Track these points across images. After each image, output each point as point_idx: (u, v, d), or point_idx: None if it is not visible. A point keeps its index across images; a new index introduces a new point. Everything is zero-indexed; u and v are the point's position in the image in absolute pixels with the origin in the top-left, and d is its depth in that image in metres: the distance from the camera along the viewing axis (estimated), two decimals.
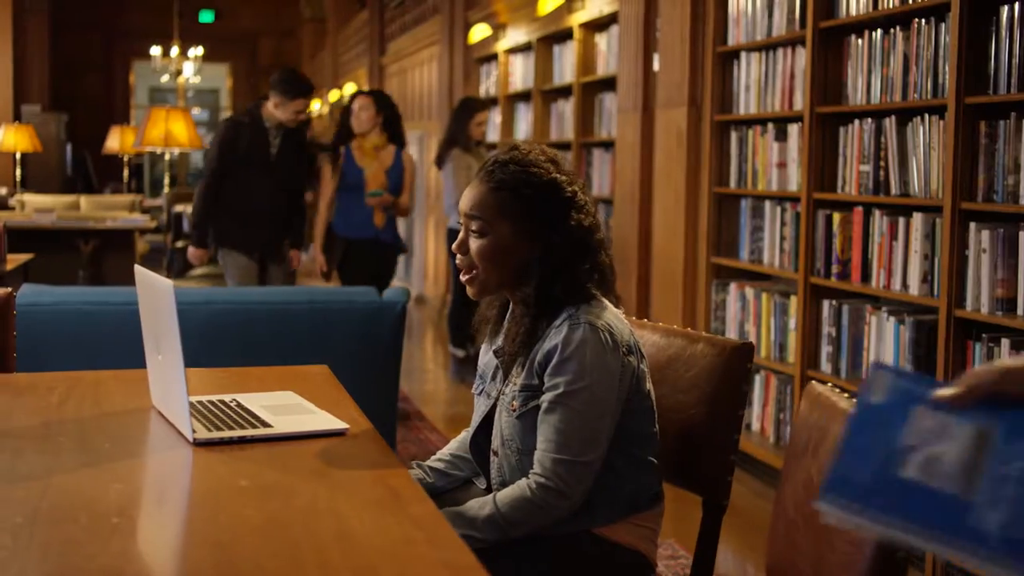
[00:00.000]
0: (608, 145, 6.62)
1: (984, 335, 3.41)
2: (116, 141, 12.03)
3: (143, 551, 1.42)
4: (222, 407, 2.16)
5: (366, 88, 6.84)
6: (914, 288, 3.71)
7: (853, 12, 4.08)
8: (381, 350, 4.08)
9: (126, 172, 12.60)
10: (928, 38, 3.65)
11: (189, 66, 17.15)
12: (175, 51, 16.80)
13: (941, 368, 3.51)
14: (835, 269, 4.16)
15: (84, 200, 10.80)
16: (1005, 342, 3.33)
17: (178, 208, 9.05)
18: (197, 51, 17.12)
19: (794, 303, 4.48)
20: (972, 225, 3.43)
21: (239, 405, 2.19)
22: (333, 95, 16.53)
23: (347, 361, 3.66)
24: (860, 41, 4.05)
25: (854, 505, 1.02)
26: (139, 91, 20.58)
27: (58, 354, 3.66)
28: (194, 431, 1.94)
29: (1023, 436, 1.03)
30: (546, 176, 2.13)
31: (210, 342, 3.87)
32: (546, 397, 2.05)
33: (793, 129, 4.52)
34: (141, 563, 1.37)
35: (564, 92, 7.42)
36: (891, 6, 3.85)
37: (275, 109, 5.71)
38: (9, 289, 2.93)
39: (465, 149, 6.72)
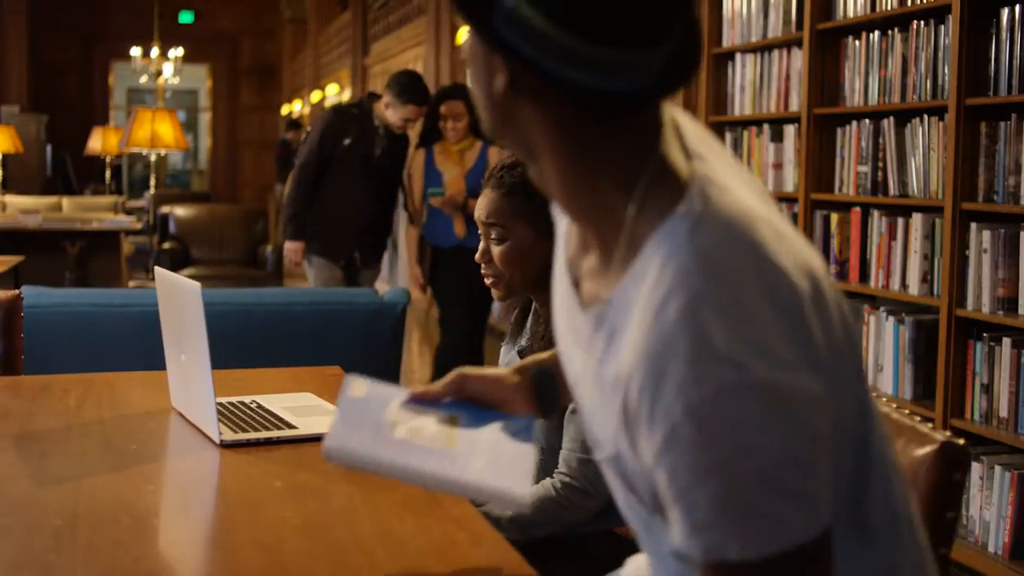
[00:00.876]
0: None
1: (985, 334, 3.44)
2: (98, 142, 11.97)
3: (190, 552, 1.42)
4: (244, 409, 2.16)
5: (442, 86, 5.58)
6: (914, 288, 3.73)
7: (851, 14, 4.10)
8: (381, 351, 4.07)
9: (108, 173, 12.54)
10: (927, 40, 3.68)
11: (168, 67, 17.07)
12: (155, 52, 16.72)
13: (942, 366, 3.53)
14: (832, 269, 4.19)
15: (66, 201, 10.75)
16: (1007, 341, 3.36)
17: (164, 209, 9.02)
18: (177, 52, 17.05)
19: None
20: (973, 225, 3.46)
21: (260, 407, 2.19)
22: (315, 96, 16.49)
23: (347, 362, 3.65)
24: (857, 43, 4.08)
25: (357, 455, 1.32)
26: (117, 92, 20.48)
27: (60, 356, 3.64)
28: (220, 433, 1.94)
29: (481, 420, 1.42)
30: None
31: (210, 343, 3.85)
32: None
33: (789, 130, 4.54)
34: (190, 564, 1.37)
35: None
36: (889, 8, 3.88)
37: (385, 109, 5.26)
38: (17, 291, 2.92)
39: None
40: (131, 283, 8.90)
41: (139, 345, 3.88)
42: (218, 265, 8.48)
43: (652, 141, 1.05)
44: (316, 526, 1.51)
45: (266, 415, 2.11)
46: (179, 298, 2.04)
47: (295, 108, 18.46)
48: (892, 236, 3.85)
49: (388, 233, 5.68)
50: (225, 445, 1.91)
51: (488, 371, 1.44)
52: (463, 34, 8.45)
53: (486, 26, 1.00)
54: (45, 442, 1.95)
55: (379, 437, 1.34)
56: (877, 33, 3.96)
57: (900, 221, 3.81)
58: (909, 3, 3.78)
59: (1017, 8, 3.32)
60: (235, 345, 3.90)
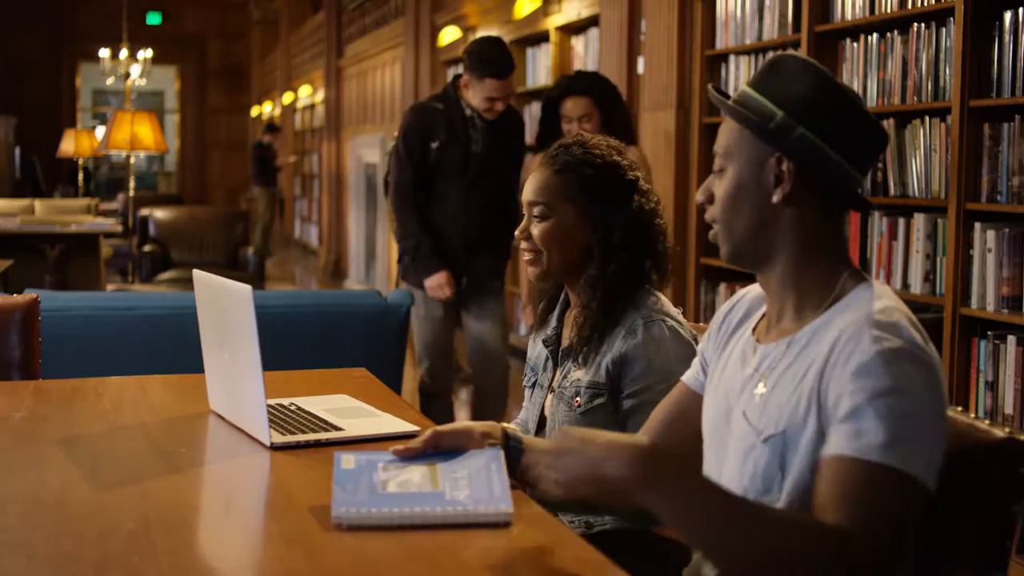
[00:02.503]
0: None
1: (990, 332, 3.49)
2: (71, 144, 11.87)
3: (274, 554, 1.41)
4: (285, 411, 2.16)
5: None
6: (916, 287, 3.78)
7: (848, 16, 4.14)
8: (385, 353, 4.08)
9: (80, 176, 12.44)
10: (928, 42, 3.73)
11: (136, 68, 16.94)
12: (124, 53, 16.58)
13: (947, 364, 3.58)
14: None
15: (38, 204, 10.63)
16: (1011, 339, 3.41)
17: (143, 212, 8.96)
18: (147, 53, 16.93)
19: None
20: (977, 225, 3.50)
21: (300, 409, 2.19)
22: (287, 97, 16.43)
23: (350, 364, 3.67)
24: (856, 45, 4.12)
25: (361, 515, 1.49)
26: (82, 94, 20.31)
27: (64, 359, 3.62)
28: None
29: (455, 464, 1.65)
30: (608, 158, 2.16)
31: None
32: (631, 401, 2.06)
33: None
34: (279, 566, 1.37)
35: (537, 94, 7.43)
36: (888, 11, 3.92)
37: (466, 91, 4.33)
38: (35, 295, 2.90)
39: None
40: (110, 287, 8.83)
41: (144, 348, 3.87)
42: (199, 268, 8.42)
43: (844, 236, 1.56)
44: (391, 526, 1.51)
45: (309, 417, 2.11)
46: (224, 301, 2.03)
47: (265, 110, 18.37)
48: (893, 236, 3.89)
49: (507, 254, 4.60)
50: (275, 448, 1.91)
51: (457, 425, 1.74)
52: (445, 36, 8.45)
53: (783, 146, 1.51)
54: (93, 446, 1.94)
55: (375, 496, 1.54)
56: (875, 35, 4.00)
57: (901, 221, 3.85)
58: (909, 6, 3.83)
59: (1020, 11, 3.37)
60: None
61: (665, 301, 2.16)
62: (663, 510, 1.37)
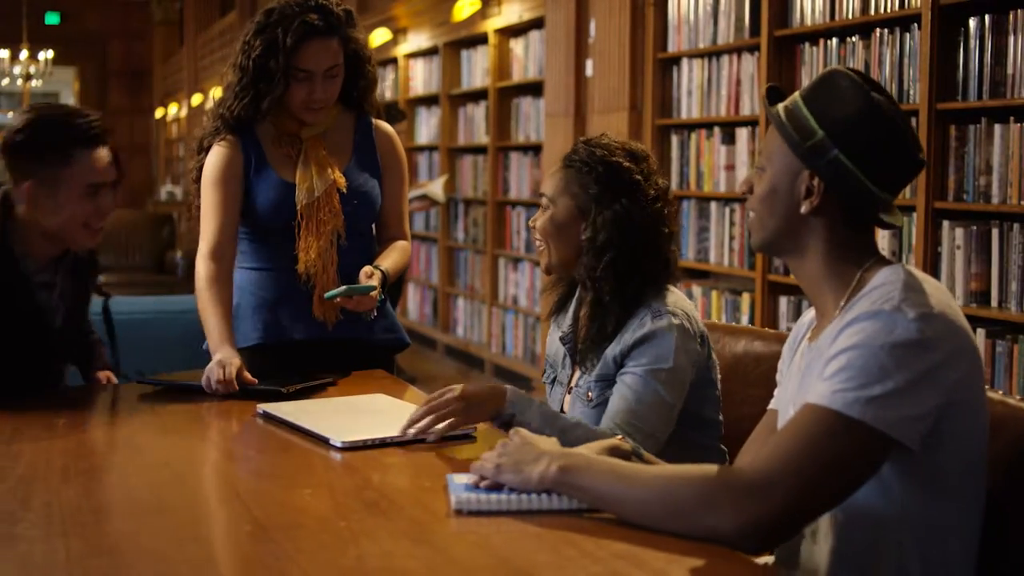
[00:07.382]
0: (527, 149, 6.72)
1: None
2: None
3: (406, 550, 1.43)
4: None
5: None
6: None
7: (808, 22, 4.26)
8: None
9: None
10: (891, 47, 3.86)
11: (33, 69, 16.56)
12: (24, 54, 16.19)
13: None
14: None
15: None
16: (980, 332, 3.55)
17: None
18: (47, 54, 16.55)
19: (746, 300, 4.65)
20: (945, 223, 3.65)
21: None
22: (195, 99, 16.20)
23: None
24: (815, 49, 4.25)
25: (481, 499, 1.57)
26: None
27: None
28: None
29: None
30: (611, 158, 2.20)
31: (188, 351, 3.81)
32: (627, 371, 2.11)
33: (742, 133, 4.69)
34: (416, 562, 1.39)
35: (473, 96, 7.49)
36: (850, 16, 4.05)
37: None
38: None
39: None
40: None
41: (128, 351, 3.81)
42: (127, 272, 8.28)
43: (871, 238, 1.68)
44: (507, 521, 1.53)
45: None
46: None
47: (171, 111, 18.11)
48: None
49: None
50: (344, 447, 1.93)
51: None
52: (376, 37, 8.43)
53: (816, 165, 1.60)
54: (162, 451, 1.94)
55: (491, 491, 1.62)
56: (835, 40, 4.13)
57: None
58: (871, 11, 3.96)
59: (986, 18, 3.51)
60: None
61: (679, 297, 2.20)
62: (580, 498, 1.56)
